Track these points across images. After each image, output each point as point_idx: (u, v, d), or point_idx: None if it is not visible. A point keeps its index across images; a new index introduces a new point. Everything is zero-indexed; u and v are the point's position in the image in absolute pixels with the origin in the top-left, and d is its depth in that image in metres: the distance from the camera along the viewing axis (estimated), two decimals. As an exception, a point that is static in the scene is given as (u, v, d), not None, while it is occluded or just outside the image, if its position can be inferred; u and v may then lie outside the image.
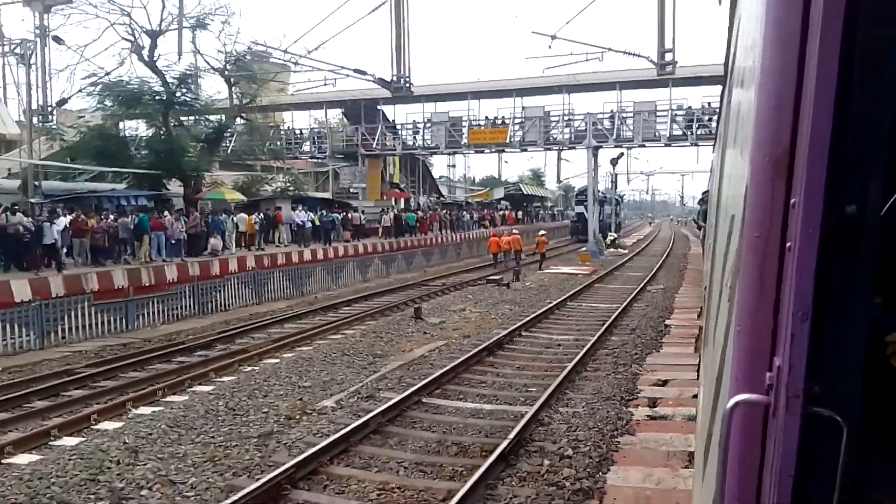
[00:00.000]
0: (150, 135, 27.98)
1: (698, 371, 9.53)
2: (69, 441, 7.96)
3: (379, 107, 38.89)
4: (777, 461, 1.31)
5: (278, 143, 37.96)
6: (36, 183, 22.68)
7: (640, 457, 7.23)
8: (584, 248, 34.21)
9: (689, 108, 32.93)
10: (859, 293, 1.42)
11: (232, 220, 23.07)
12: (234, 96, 30.59)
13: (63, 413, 9.07)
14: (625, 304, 17.68)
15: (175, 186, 27.95)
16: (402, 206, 40.46)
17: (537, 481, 6.67)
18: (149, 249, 18.97)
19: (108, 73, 25.51)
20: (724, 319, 1.94)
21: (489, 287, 22.20)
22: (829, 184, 1.26)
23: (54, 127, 26.57)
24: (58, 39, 22.50)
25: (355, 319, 16.10)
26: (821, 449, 1.34)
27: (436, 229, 35.87)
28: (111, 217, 19.09)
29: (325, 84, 30.90)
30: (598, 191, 39.13)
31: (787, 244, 1.32)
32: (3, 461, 7.36)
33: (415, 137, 38.59)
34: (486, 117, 37.31)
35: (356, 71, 26.33)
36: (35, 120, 23.94)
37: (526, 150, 38.83)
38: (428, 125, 37.52)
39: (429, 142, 37.97)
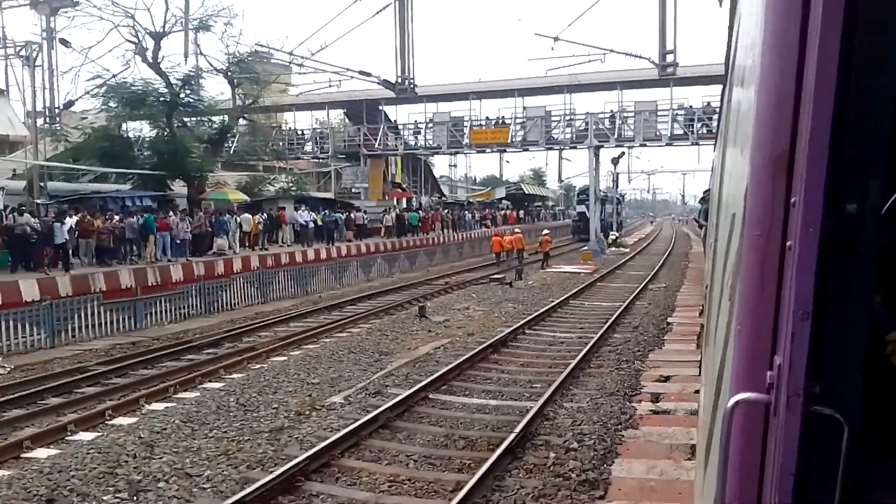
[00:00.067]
0: (154, 136, 28.21)
1: (700, 367, 9.70)
2: (86, 436, 8.15)
3: (381, 107, 39.07)
4: (778, 460, 1.32)
5: (280, 143, 38.17)
6: (41, 184, 22.89)
7: (644, 450, 7.41)
8: (585, 248, 34.39)
9: (690, 107, 33.12)
10: (860, 292, 1.41)
11: (235, 220, 23.25)
12: (238, 97, 30.81)
13: (77, 409, 9.25)
14: (627, 302, 17.85)
15: (178, 187, 28.15)
16: (404, 205, 40.64)
17: (544, 473, 6.84)
18: (154, 249, 19.17)
19: (114, 76, 25.69)
20: (725, 318, 1.94)
21: (492, 286, 22.38)
22: (830, 182, 1.27)
23: (58, 129, 26.77)
24: (65, 42, 22.67)
25: (360, 318, 16.28)
26: (821, 448, 1.34)
27: (438, 229, 36.07)
28: (116, 218, 19.29)
29: (331, 86, 31.10)
30: (600, 190, 39.28)
31: (788, 243, 1.32)
32: (22, 455, 7.55)
33: (416, 137, 38.76)
34: (487, 117, 37.54)
35: (361, 73, 26.54)
36: (40, 121, 24.12)
37: (527, 150, 39.02)
38: (430, 125, 37.69)
39: (430, 142, 38.13)
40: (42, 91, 23.58)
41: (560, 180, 66.02)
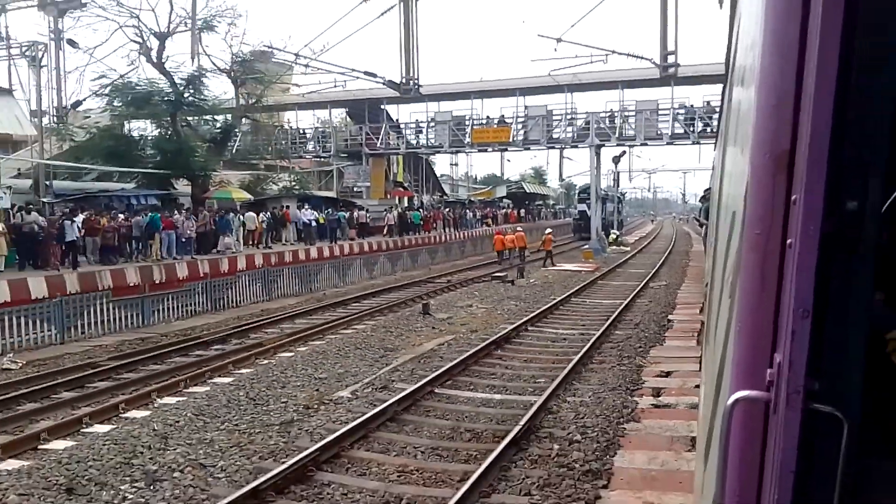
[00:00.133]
0: (158, 135, 28.42)
1: (700, 363, 9.89)
2: (101, 428, 8.35)
3: (383, 106, 39.25)
4: (778, 457, 1.32)
5: (283, 142, 38.38)
6: (47, 182, 23.10)
7: (645, 441, 7.61)
8: (586, 246, 34.56)
9: (691, 106, 33.28)
10: (860, 290, 1.41)
11: (239, 218, 23.44)
12: (241, 97, 31.02)
13: (91, 403, 9.45)
14: (628, 300, 18.04)
15: (182, 186, 28.37)
16: (406, 204, 40.83)
17: (548, 464, 7.04)
18: (160, 248, 19.36)
19: (122, 76, 25.89)
20: (725, 316, 1.94)
21: (494, 284, 22.58)
22: (830, 181, 1.27)
23: (63, 128, 26.97)
24: (72, 43, 22.86)
25: (365, 315, 16.47)
26: (821, 445, 1.34)
27: (439, 227, 36.27)
28: (121, 216, 19.49)
29: (336, 86, 31.28)
30: (601, 189, 39.44)
31: (788, 241, 1.32)
32: (39, 447, 7.75)
33: (418, 137, 38.95)
34: (488, 117, 37.69)
35: (367, 74, 26.74)
36: (47, 120, 24.31)
37: (529, 149, 39.22)
38: (432, 124, 37.88)
39: (432, 141, 38.31)
40: (48, 91, 23.77)
41: (561, 179, 66.25)
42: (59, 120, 24.95)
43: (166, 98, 26.22)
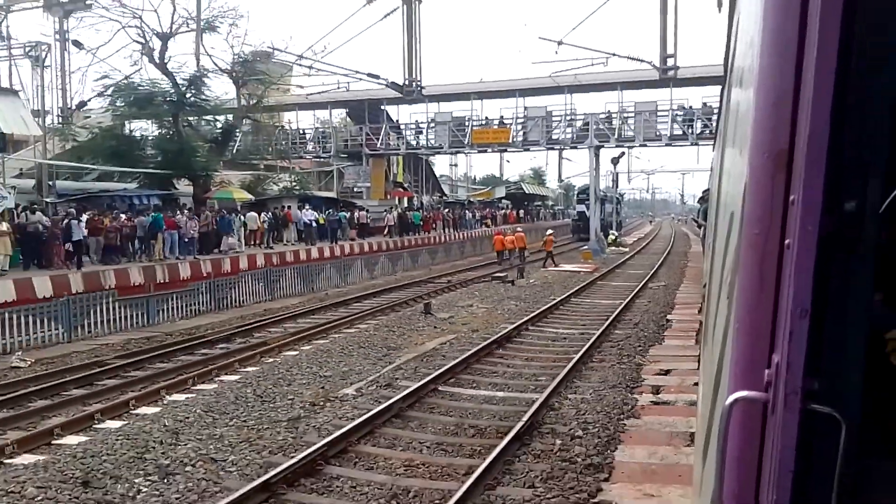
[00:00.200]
0: (160, 135, 28.57)
1: (699, 362, 10.08)
2: (112, 424, 8.52)
3: (383, 107, 39.44)
4: (776, 458, 1.31)
5: (283, 142, 38.54)
6: (50, 182, 23.24)
7: (645, 437, 7.81)
8: (585, 247, 34.75)
9: (690, 107, 33.52)
10: (859, 290, 1.39)
11: (241, 218, 23.61)
12: (242, 97, 31.18)
13: (101, 400, 9.63)
14: (627, 300, 18.23)
15: (183, 186, 28.51)
16: (406, 205, 41.03)
17: (551, 458, 7.22)
18: (162, 248, 19.53)
19: (126, 77, 26.03)
20: (724, 316, 1.93)
21: (494, 284, 22.76)
22: (829, 180, 1.26)
23: (65, 128, 27.10)
24: (77, 44, 23.01)
25: (367, 314, 16.66)
26: (820, 446, 1.33)
27: (439, 228, 36.47)
28: (124, 216, 19.65)
29: (339, 88, 31.46)
30: (600, 190, 39.65)
31: (787, 241, 1.31)
32: (53, 442, 7.92)
33: (418, 137, 39.15)
34: (487, 118, 37.89)
35: (370, 75, 26.92)
36: (50, 120, 24.45)
37: (528, 150, 39.44)
38: (432, 125, 38.07)
39: (432, 141, 38.51)
40: (52, 91, 23.91)
41: (560, 180, 66.58)
42: (63, 120, 25.05)
43: (168, 98, 26.38)
